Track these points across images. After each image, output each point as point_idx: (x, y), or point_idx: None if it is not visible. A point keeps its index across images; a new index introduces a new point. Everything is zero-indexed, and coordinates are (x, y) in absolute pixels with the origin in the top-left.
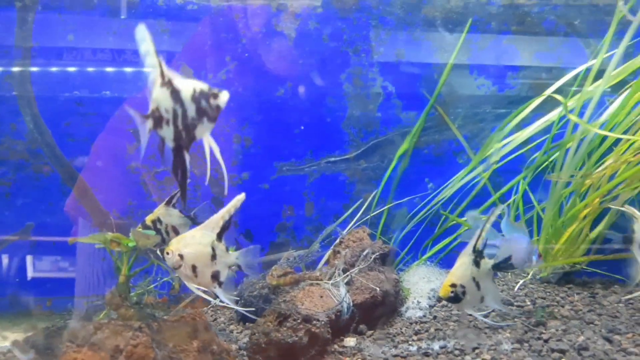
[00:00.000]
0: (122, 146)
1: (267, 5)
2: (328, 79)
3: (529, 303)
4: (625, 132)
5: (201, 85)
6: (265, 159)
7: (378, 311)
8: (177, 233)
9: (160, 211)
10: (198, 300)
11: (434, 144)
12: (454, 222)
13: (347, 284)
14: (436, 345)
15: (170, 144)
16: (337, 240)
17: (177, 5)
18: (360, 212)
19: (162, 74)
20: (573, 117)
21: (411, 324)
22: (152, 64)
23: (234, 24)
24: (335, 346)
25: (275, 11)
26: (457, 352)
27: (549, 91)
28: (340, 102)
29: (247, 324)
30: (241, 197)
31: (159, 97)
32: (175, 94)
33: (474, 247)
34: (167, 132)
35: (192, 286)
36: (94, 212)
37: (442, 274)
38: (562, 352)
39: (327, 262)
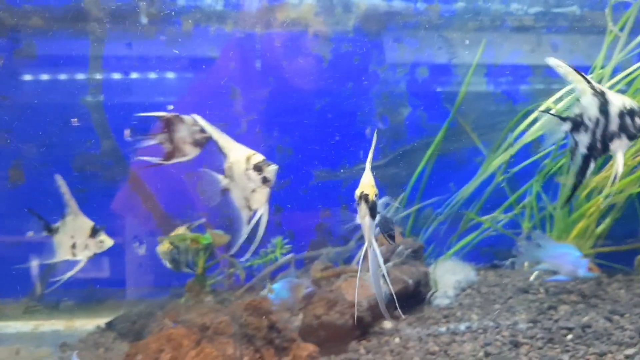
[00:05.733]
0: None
1: (304, 31)
2: (360, 95)
3: (542, 291)
4: None
5: (633, 104)
6: (305, 166)
7: (411, 299)
8: None
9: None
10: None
11: (456, 152)
12: (475, 220)
13: (383, 276)
14: (462, 326)
15: (583, 150)
16: None
17: (226, 33)
18: (391, 212)
19: (592, 87)
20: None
21: (440, 310)
22: (575, 79)
23: (275, 48)
24: (376, 328)
25: (311, 37)
26: (480, 330)
27: (547, 103)
28: (371, 115)
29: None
30: None
31: (586, 105)
32: (604, 106)
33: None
34: (584, 139)
35: None
36: (157, 214)
37: (465, 267)
38: (569, 329)
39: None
